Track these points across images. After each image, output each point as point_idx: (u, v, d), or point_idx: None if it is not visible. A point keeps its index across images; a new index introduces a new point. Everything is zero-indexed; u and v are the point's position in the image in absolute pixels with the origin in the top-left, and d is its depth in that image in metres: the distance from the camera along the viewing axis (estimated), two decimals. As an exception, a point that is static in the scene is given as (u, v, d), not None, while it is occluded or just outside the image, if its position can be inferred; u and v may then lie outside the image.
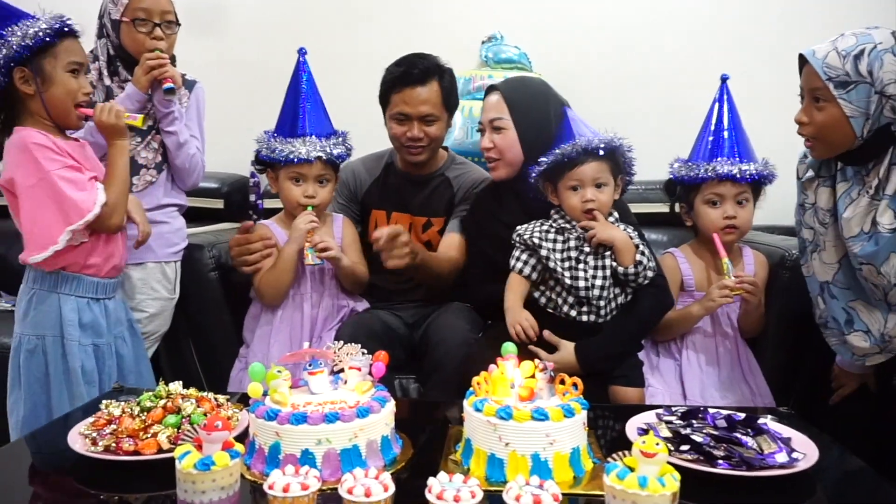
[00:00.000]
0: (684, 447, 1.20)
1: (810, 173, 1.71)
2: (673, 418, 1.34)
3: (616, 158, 1.77)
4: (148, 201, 1.97)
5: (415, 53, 2.09)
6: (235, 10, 3.05)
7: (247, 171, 2.17)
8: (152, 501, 1.09)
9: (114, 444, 1.14)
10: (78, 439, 1.19)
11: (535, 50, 2.91)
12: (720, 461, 1.16)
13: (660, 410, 1.38)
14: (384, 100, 2.09)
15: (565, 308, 1.75)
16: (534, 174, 1.79)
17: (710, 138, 1.92)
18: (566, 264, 1.73)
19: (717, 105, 1.93)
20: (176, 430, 1.17)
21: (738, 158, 1.87)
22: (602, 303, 1.73)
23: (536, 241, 1.74)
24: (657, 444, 0.97)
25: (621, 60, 2.83)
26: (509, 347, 1.27)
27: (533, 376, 1.22)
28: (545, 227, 1.78)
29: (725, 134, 1.89)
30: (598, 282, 1.72)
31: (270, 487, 0.98)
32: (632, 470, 0.98)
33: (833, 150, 1.56)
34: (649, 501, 0.94)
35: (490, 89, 1.97)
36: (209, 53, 2.97)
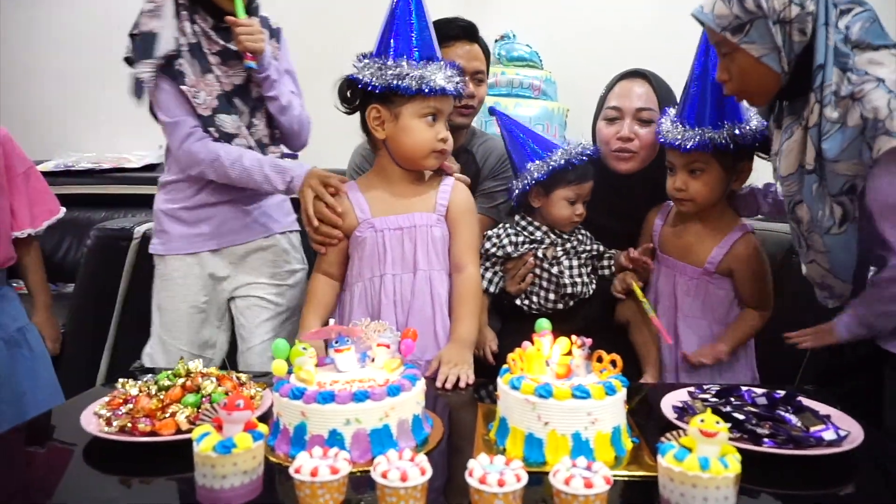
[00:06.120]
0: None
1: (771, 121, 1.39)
2: (707, 396, 1.17)
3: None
4: None
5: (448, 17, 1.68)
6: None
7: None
8: (169, 485, 0.90)
9: (129, 425, 0.96)
10: (92, 419, 1.00)
11: (545, 48, 2.79)
12: (766, 439, 0.99)
13: (691, 389, 1.20)
14: None
15: (549, 305, 1.60)
16: (530, 179, 1.52)
17: (679, 100, 1.52)
18: (555, 269, 1.58)
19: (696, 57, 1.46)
20: (195, 409, 0.99)
21: (687, 124, 1.43)
22: (585, 292, 1.60)
23: (511, 250, 1.57)
24: (717, 422, 0.80)
25: (627, 59, 2.67)
26: (543, 324, 1.09)
27: (570, 353, 1.04)
28: (516, 239, 1.58)
29: (689, 92, 1.46)
30: (575, 272, 1.59)
31: (297, 471, 0.79)
32: (690, 451, 0.80)
33: (767, 96, 1.29)
34: (712, 484, 0.77)
35: (632, 74, 1.63)
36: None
